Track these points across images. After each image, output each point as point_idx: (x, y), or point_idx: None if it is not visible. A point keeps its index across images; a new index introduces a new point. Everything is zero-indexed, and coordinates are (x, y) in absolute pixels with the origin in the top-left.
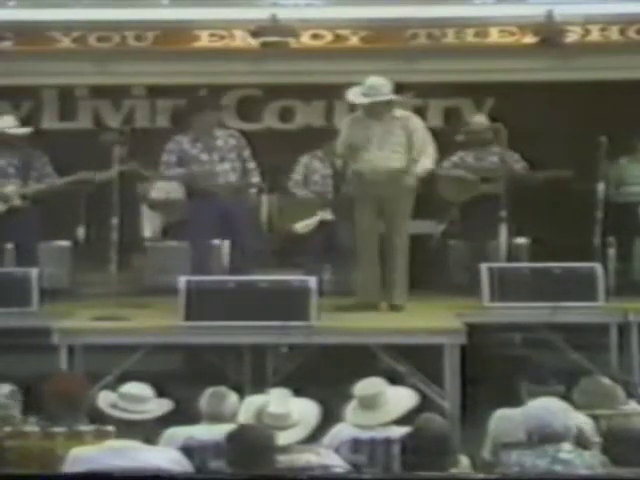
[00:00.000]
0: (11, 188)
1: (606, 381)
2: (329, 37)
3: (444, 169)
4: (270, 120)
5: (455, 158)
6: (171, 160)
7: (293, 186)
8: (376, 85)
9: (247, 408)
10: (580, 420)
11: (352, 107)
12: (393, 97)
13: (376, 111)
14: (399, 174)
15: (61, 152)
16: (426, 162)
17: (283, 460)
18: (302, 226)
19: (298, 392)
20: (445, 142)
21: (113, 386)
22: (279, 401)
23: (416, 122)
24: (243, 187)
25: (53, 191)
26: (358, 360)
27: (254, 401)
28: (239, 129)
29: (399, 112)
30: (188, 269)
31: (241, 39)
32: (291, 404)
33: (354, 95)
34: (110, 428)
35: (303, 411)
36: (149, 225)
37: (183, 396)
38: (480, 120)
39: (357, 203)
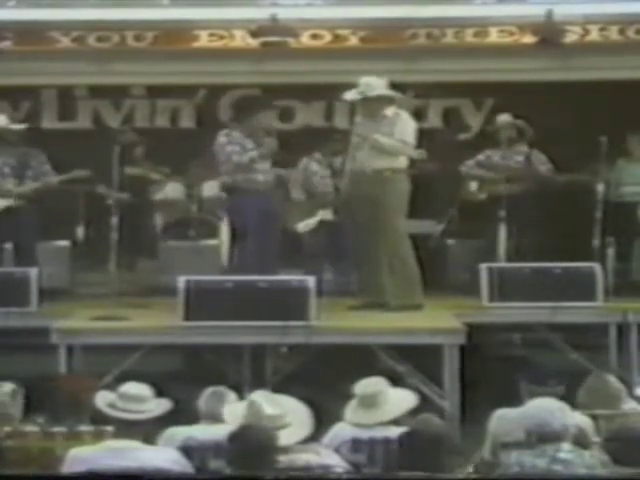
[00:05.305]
0: (6, 187)
1: (613, 379)
2: (328, 37)
3: (467, 167)
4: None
5: (481, 156)
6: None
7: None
8: (369, 83)
9: (233, 415)
10: (579, 420)
11: (352, 109)
12: (383, 92)
13: (371, 109)
14: (385, 173)
15: (61, 152)
16: (384, 139)
17: (283, 460)
18: (303, 226)
19: (299, 392)
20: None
21: (112, 386)
22: (270, 402)
23: (403, 119)
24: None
25: (49, 190)
26: (357, 360)
27: (237, 408)
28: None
29: (391, 111)
30: (187, 269)
31: (241, 39)
32: (286, 404)
33: (351, 94)
34: (109, 428)
35: (292, 410)
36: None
37: (182, 396)
38: (504, 118)
39: (351, 202)
